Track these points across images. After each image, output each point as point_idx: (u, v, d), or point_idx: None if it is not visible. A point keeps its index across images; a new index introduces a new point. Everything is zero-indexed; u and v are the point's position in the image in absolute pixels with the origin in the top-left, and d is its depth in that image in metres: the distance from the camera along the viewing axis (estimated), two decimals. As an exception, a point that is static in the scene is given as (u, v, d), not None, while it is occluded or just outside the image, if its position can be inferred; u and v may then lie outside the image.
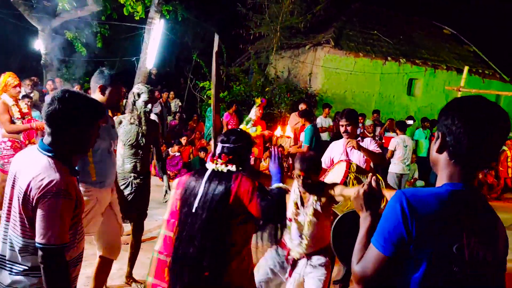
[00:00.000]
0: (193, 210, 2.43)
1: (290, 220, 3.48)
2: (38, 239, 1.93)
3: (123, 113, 5.20)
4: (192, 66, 16.13)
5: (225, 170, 2.50)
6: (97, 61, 13.85)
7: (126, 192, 4.21)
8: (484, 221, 1.49)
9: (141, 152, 4.20)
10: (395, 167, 8.28)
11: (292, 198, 3.58)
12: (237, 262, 2.46)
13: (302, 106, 9.88)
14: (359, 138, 4.54)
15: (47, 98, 8.32)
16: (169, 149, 9.66)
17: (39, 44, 12.22)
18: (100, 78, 3.34)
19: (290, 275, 3.50)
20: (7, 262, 2.07)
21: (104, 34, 13.56)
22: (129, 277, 4.35)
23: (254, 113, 3.39)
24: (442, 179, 1.54)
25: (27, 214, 1.99)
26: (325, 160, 4.64)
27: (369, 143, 4.48)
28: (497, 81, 15.13)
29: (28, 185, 1.96)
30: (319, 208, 3.38)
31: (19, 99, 5.53)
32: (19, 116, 5.35)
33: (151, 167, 9.28)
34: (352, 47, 13.34)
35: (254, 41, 14.52)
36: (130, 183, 4.21)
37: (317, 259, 3.46)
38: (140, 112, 4.22)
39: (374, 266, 1.47)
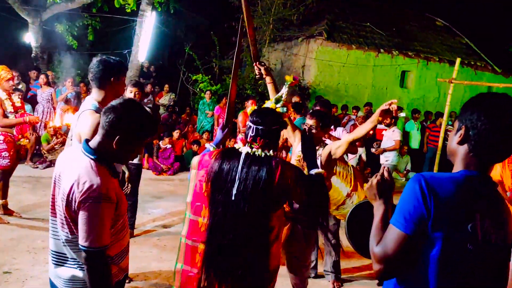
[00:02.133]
0: (233, 198, 2.32)
1: None
2: (81, 241, 2.00)
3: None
4: (184, 59, 16.04)
5: (262, 155, 2.39)
6: (88, 54, 13.73)
7: None
8: (495, 207, 1.59)
9: None
10: (394, 159, 8.45)
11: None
12: (276, 246, 2.43)
13: (295, 99, 9.90)
14: (332, 127, 4.62)
15: (40, 93, 8.16)
16: (160, 142, 9.62)
17: (29, 37, 12.08)
18: (105, 70, 3.05)
19: None
20: (62, 257, 2.16)
21: (95, 27, 13.43)
22: None
23: (285, 91, 3.20)
24: (458, 167, 1.64)
25: (70, 215, 2.05)
26: None
27: (341, 133, 4.59)
28: (489, 72, 15.19)
29: (71, 189, 2.02)
30: None
31: (12, 93, 5.48)
32: (12, 110, 5.31)
33: (144, 160, 9.28)
34: (345, 39, 13.32)
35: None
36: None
37: None
38: None
39: (395, 245, 1.54)
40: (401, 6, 16.75)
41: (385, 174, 1.83)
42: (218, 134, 2.87)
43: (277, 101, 2.91)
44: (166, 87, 12.61)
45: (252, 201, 2.29)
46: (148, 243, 5.24)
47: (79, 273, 2.14)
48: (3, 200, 5.66)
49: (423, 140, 11.58)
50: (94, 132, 2.78)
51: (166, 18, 15.70)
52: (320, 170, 2.50)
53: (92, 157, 2.08)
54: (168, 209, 6.69)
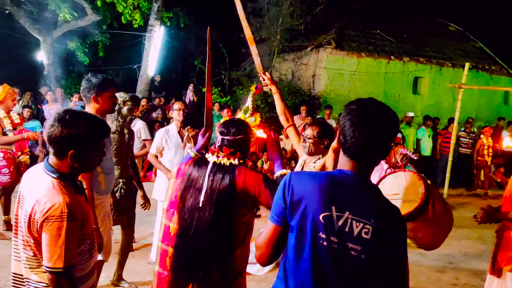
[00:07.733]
0: (200, 205, 2.45)
1: None
2: (45, 262, 1.95)
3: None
4: (196, 72, 16.17)
5: (227, 164, 2.51)
6: (99, 70, 13.94)
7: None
8: (365, 204, 1.63)
9: (124, 158, 4.26)
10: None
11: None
12: (240, 250, 2.53)
13: (303, 109, 9.98)
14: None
15: (47, 109, 8.25)
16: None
17: (41, 55, 12.33)
18: (90, 88, 3.27)
19: None
20: (24, 280, 2.09)
21: (105, 43, 13.64)
22: (119, 280, 4.34)
23: (250, 101, 3.29)
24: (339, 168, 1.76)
25: (33, 236, 2.00)
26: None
27: None
28: (505, 76, 14.82)
29: (33, 209, 1.96)
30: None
31: (11, 111, 5.57)
32: (11, 128, 5.39)
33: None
34: (354, 47, 13.19)
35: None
36: (119, 189, 4.27)
37: None
38: (123, 121, 4.27)
39: (266, 235, 1.75)
40: (412, 11, 16.51)
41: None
42: (199, 140, 2.94)
43: (245, 111, 3.06)
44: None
45: (217, 207, 2.41)
46: (146, 256, 5.18)
47: None
48: (6, 216, 5.72)
49: (435, 147, 11.33)
50: None
51: (178, 32, 15.86)
52: (284, 170, 2.57)
53: (54, 175, 2.02)
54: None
